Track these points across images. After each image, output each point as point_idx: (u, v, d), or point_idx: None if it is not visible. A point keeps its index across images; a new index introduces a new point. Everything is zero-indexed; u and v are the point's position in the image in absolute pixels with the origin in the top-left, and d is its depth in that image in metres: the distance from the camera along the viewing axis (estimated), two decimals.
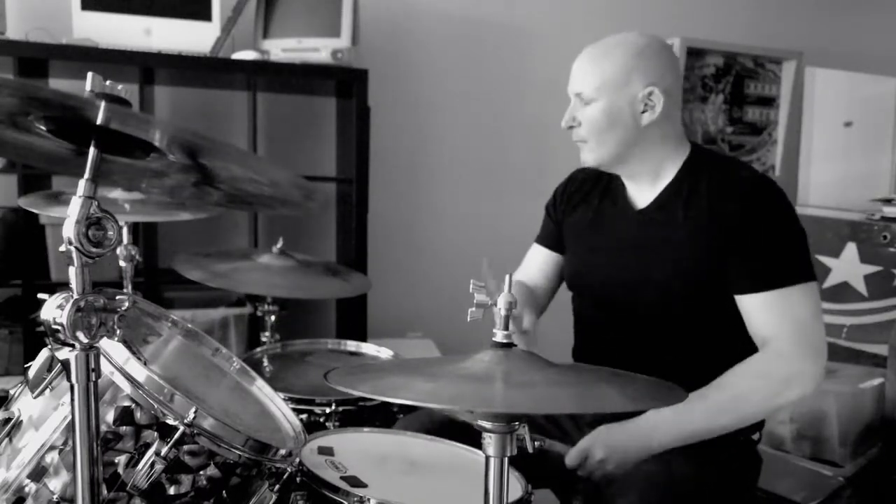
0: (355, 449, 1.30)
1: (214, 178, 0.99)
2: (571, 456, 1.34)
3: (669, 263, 1.41)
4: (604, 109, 1.42)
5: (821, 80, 3.71)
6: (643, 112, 1.42)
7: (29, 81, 0.80)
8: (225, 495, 1.05)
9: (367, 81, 2.56)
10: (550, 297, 1.70)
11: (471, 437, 1.24)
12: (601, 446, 1.33)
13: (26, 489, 0.99)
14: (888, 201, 2.81)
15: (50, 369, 0.87)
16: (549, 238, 1.69)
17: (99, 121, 0.82)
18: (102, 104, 0.78)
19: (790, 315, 1.34)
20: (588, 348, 1.60)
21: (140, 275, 2.29)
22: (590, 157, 1.48)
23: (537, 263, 1.70)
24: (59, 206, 1.68)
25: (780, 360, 1.33)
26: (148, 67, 2.41)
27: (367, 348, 2.01)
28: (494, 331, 0.95)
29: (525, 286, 1.63)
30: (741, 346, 1.38)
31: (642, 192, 1.51)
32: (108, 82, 0.82)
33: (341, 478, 1.16)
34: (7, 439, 1.02)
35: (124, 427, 0.99)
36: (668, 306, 1.43)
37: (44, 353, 0.88)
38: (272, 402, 1.34)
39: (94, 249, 0.83)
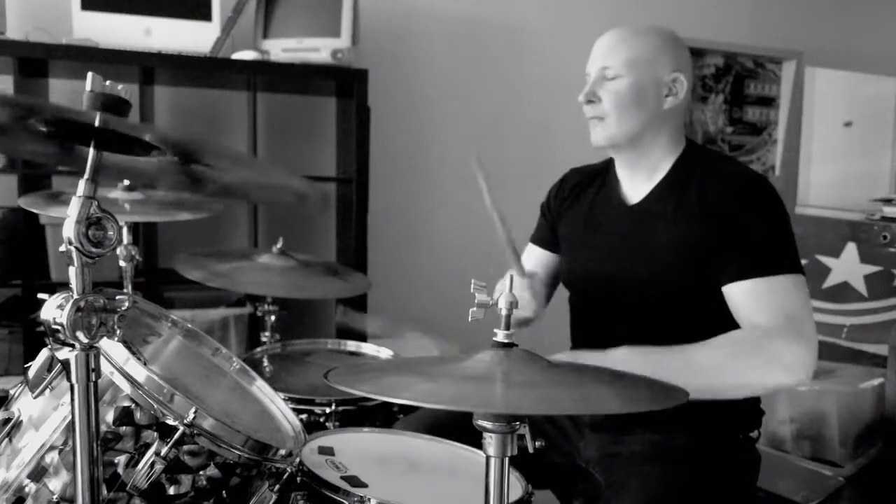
0: (355, 449, 1.30)
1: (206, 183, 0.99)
2: None
3: (662, 257, 1.42)
4: (631, 85, 1.42)
5: (821, 80, 3.71)
6: (667, 96, 1.44)
7: (25, 97, 0.81)
8: (225, 495, 1.05)
9: (367, 81, 2.56)
10: (548, 298, 1.69)
11: (471, 436, 1.24)
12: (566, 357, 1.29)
13: (26, 489, 0.99)
14: (888, 201, 2.82)
15: (50, 369, 0.87)
16: (544, 237, 1.69)
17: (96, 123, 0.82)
18: (97, 116, 0.78)
19: (777, 303, 1.31)
20: (585, 346, 1.59)
21: (140, 275, 2.29)
22: (604, 134, 1.46)
23: (532, 263, 1.69)
24: (59, 206, 1.68)
25: (765, 337, 1.29)
26: (148, 67, 2.40)
27: (367, 348, 2.01)
28: (495, 330, 0.95)
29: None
30: None
31: (637, 187, 1.51)
32: (108, 82, 0.82)
33: (341, 478, 1.16)
34: (7, 439, 1.03)
35: (124, 427, 0.99)
36: (663, 301, 1.43)
37: (44, 353, 0.88)
38: (272, 402, 1.34)
39: (94, 249, 0.83)
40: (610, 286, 1.50)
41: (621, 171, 1.54)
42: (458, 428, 1.35)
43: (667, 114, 1.45)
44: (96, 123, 0.81)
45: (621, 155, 1.52)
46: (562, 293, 1.71)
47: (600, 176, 1.60)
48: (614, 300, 1.50)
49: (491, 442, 0.86)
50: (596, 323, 1.56)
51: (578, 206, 1.61)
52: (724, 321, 1.39)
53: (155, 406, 0.99)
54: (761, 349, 1.30)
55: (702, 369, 1.29)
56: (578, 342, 1.62)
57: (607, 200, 1.56)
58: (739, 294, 1.34)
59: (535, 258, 1.70)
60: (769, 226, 1.36)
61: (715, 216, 1.36)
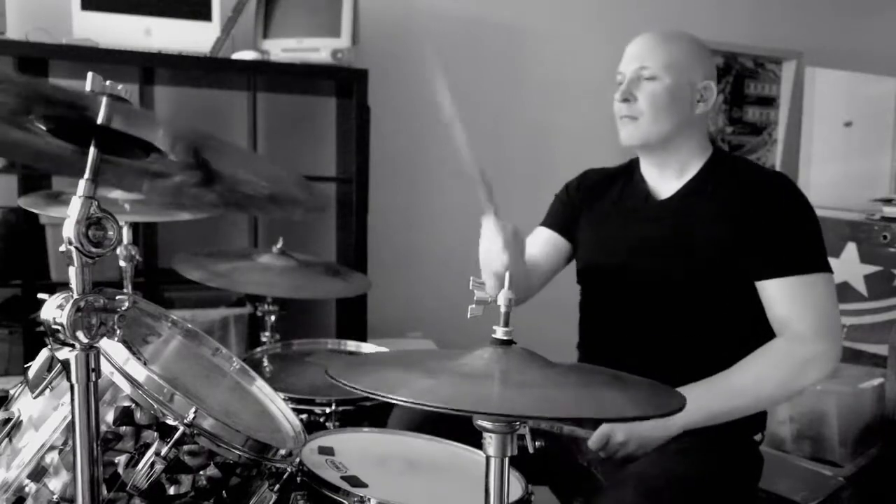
0: (355, 449, 1.30)
1: (214, 179, 0.99)
2: (594, 439, 1.38)
3: (691, 253, 1.44)
4: (669, 88, 1.45)
5: (821, 80, 3.71)
6: (699, 101, 1.48)
7: (33, 78, 0.80)
8: (225, 495, 1.05)
9: (367, 81, 2.56)
10: (545, 281, 1.68)
11: (466, 430, 1.24)
12: (622, 429, 1.35)
13: (26, 489, 0.99)
14: (888, 201, 2.81)
15: (50, 369, 0.87)
16: (558, 221, 1.68)
17: (100, 119, 0.82)
18: (104, 100, 0.78)
19: (810, 301, 1.38)
20: (597, 341, 1.60)
21: (140, 275, 2.29)
22: (637, 134, 1.49)
23: (539, 244, 1.68)
24: (59, 206, 1.68)
25: (800, 343, 1.37)
26: (148, 67, 2.41)
27: (367, 348, 2.01)
28: (494, 327, 0.95)
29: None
30: (755, 337, 1.40)
31: (666, 184, 1.53)
32: (108, 82, 0.82)
33: (341, 477, 1.16)
34: (7, 439, 1.02)
35: (124, 427, 0.99)
36: (687, 296, 1.44)
37: (44, 353, 0.88)
38: (272, 402, 1.34)
39: (94, 249, 0.83)
40: (632, 278, 1.51)
41: (648, 170, 1.56)
42: (453, 420, 1.34)
43: (697, 119, 1.49)
44: (99, 121, 0.81)
45: (651, 156, 1.54)
46: (562, 292, 1.71)
47: (623, 175, 1.62)
48: (635, 293, 1.50)
49: (491, 442, 0.86)
50: (611, 317, 1.56)
51: (600, 203, 1.62)
52: (741, 318, 1.43)
53: (155, 406, 0.99)
54: (795, 356, 1.37)
55: (747, 390, 1.38)
56: (590, 337, 1.62)
57: (634, 196, 1.57)
58: (774, 290, 1.39)
59: (543, 239, 1.68)
60: (802, 225, 1.41)
61: (748, 213, 1.40)
